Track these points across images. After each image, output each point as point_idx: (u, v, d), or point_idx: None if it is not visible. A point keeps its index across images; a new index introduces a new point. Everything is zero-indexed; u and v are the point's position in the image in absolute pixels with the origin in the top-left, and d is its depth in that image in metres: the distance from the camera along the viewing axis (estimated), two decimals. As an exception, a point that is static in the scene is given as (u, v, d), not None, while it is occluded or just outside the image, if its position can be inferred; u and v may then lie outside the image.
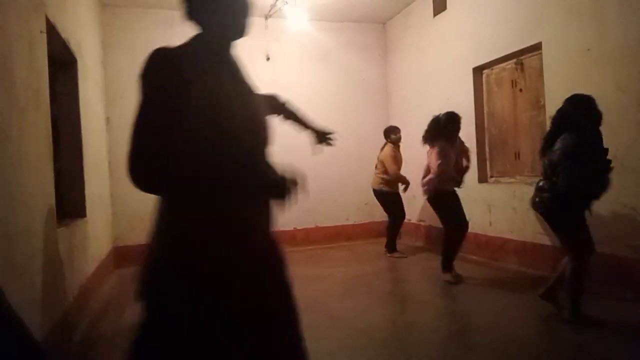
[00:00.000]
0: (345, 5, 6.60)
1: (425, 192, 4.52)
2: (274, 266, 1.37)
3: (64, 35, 3.58)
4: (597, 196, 3.02)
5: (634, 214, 3.53)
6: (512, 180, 5.05)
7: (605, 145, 2.99)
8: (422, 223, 6.60)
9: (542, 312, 3.35)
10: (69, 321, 3.22)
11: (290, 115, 1.90)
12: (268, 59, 6.62)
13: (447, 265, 4.40)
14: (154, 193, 1.24)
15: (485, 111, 5.49)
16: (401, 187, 5.79)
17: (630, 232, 3.58)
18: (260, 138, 1.36)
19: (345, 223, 7.19)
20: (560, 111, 3.12)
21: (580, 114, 3.00)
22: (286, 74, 6.64)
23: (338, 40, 7.25)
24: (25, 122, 2.50)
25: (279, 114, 1.86)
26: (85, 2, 4.78)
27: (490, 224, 5.19)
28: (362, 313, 3.64)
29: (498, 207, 5.07)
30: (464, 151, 4.60)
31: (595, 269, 3.36)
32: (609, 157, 2.98)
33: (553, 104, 3.72)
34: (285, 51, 6.88)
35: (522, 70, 4.89)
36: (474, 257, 5.30)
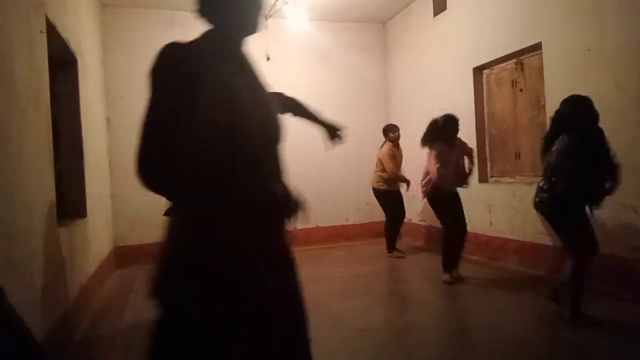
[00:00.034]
0: (345, 5, 6.60)
1: (424, 193, 4.54)
2: (285, 267, 1.36)
3: (64, 35, 3.58)
4: (600, 197, 3.01)
5: (634, 214, 3.53)
6: (512, 180, 5.05)
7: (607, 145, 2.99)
8: (422, 223, 6.60)
9: (542, 312, 3.35)
10: (70, 321, 3.22)
11: (301, 111, 1.86)
12: (268, 59, 6.61)
13: (446, 266, 4.41)
14: (162, 193, 1.21)
15: (485, 111, 5.49)
16: (403, 185, 5.78)
17: (630, 232, 3.58)
18: (272, 135, 1.34)
19: (345, 223, 7.20)
20: (557, 112, 3.13)
21: (577, 114, 3.01)
22: (286, 74, 6.64)
23: (338, 40, 7.25)
24: (25, 122, 2.50)
25: (290, 111, 1.82)
26: (85, 2, 4.78)
27: (491, 224, 5.19)
28: (362, 313, 3.64)
29: (498, 207, 5.07)
30: (466, 152, 4.59)
31: (596, 269, 3.35)
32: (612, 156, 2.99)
33: (553, 104, 3.72)
34: (286, 51, 6.89)
35: (522, 70, 4.89)
36: (474, 257, 5.30)
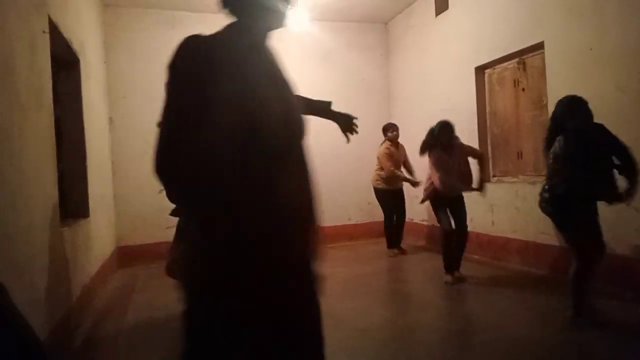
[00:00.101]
0: (347, 5, 6.60)
1: (425, 198, 4.58)
2: (305, 264, 1.32)
3: (66, 35, 3.59)
4: (611, 196, 2.98)
5: (637, 213, 3.52)
6: (514, 179, 5.04)
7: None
8: (424, 222, 6.60)
9: (543, 311, 3.34)
10: (72, 321, 3.23)
11: (313, 107, 1.80)
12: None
13: (447, 267, 4.41)
14: (180, 189, 1.17)
15: (487, 111, 5.48)
16: (406, 184, 5.77)
17: (632, 232, 3.57)
18: (296, 131, 1.30)
19: (347, 223, 7.20)
20: (553, 113, 3.16)
21: (571, 115, 3.01)
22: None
23: (339, 40, 7.25)
24: (27, 122, 2.51)
25: (309, 110, 1.76)
26: (87, 2, 4.80)
27: (493, 223, 5.19)
28: (362, 313, 3.64)
29: (500, 206, 5.06)
30: (474, 155, 4.56)
31: (599, 268, 3.34)
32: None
33: (555, 103, 3.71)
34: (287, 51, 6.80)
35: (524, 69, 4.88)
36: (476, 257, 5.29)
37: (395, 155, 5.79)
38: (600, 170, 2.95)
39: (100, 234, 4.75)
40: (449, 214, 4.42)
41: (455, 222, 4.41)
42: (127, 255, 5.85)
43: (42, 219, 2.71)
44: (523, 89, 4.92)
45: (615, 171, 2.99)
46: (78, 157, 4.15)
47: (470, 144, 4.80)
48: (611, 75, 3.71)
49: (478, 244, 5.29)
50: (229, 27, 1.25)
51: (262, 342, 1.20)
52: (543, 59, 4.48)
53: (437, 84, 6.21)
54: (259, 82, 1.20)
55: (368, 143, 6.16)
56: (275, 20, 1.26)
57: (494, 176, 5.39)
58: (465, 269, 4.56)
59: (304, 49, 7.01)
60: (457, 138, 4.45)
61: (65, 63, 4.00)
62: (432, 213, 4.83)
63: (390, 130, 5.86)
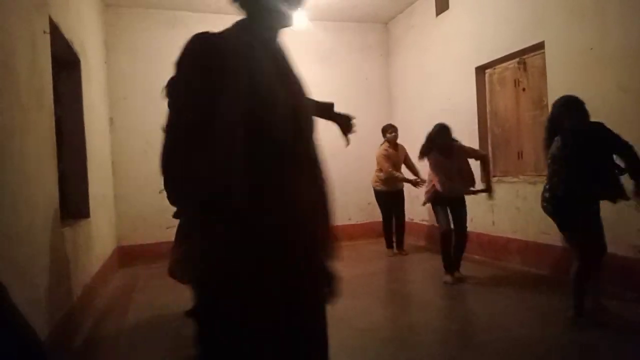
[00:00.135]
0: (347, 5, 6.60)
1: (427, 200, 4.59)
2: (317, 264, 1.32)
3: (67, 35, 3.59)
4: (612, 194, 2.98)
5: (637, 213, 3.51)
6: (515, 179, 5.04)
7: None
8: (424, 222, 6.60)
9: (544, 311, 3.34)
10: (73, 321, 3.24)
11: (317, 107, 1.79)
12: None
13: (446, 268, 4.41)
14: (188, 189, 1.15)
15: (488, 110, 5.48)
16: (410, 183, 5.76)
17: (632, 232, 3.57)
18: (305, 129, 1.30)
19: (347, 223, 7.19)
20: (550, 114, 3.17)
21: (565, 116, 3.02)
22: (288, 73, 6.64)
23: (340, 40, 7.25)
24: (28, 123, 2.51)
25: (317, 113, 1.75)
26: (88, 2, 4.80)
27: (493, 223, 5.19)
28: (362, 313, 3.64)
29: (501, 206, 5.06)
30: (476, 157, 4.55)
31: (601, 269, 3.34)
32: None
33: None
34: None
35: (525, 69, 4.88)
36: (477, 257, 5.29)
37: (393, 156, 5.78)
38: (599, 170, 2.94)
39: (100, 234, 4.75)
40: (448, 214, 4.42)
41: (454, 222, 4.41)
42: (127, 255, 5.86)
43: (43, 219, 2.71)
44: (524, 89, 4.92)
45: (618, 170, 2.98)
46: (78, 158, 4.15)
47: (470, 144, 4.80)
48: (612, 75, 3.71)
49: (478, 244, 5.29)
50: (237, 24, 1.25)
51: (270, 343, 1.20)
52: (544, 59, 4.48)
53: (437, 84, 6.21)
54: (266, 78, 1.20)
55: (368, 143, 6.16)
56: (284, 18, 1.25)
57: (494, 176, 5.38)
58: (465, 269, 4.56)
59: (304, 49, 7.00)
60: (455, 140, 4.44)
61: (66, 63, 4.01)
62: (432, 213, 4.83)
63: (388, 132, 5.85)
